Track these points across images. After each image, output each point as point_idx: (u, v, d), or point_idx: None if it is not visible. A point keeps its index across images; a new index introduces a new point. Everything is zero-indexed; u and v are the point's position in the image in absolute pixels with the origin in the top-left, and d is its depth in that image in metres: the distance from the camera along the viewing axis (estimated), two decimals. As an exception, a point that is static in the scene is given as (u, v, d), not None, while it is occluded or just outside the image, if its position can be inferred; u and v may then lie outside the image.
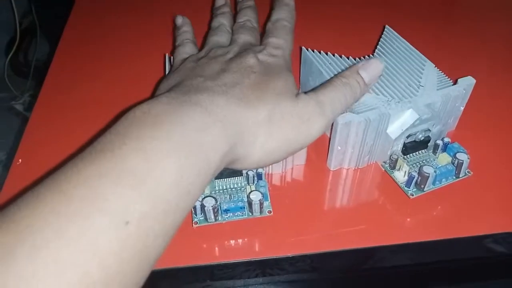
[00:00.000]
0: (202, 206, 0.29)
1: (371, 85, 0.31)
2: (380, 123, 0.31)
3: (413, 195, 0.31)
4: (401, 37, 0.38)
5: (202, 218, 0.30)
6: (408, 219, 0.31)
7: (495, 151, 0.36)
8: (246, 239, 0.30)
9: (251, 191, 0.30)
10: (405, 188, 0.32)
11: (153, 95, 0.27)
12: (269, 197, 0.31)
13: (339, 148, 0.32)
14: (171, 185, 0.21)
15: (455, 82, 0.34)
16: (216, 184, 0.32)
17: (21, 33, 1.07)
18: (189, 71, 0.29)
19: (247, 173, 0.31)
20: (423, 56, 0.36)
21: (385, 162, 0.33)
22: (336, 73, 0.34)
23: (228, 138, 0.24)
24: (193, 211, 0.30)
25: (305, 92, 0.29)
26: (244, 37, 0.33)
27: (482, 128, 0.38)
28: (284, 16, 0.35)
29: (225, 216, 0.30)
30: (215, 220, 0.30)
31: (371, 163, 0.35)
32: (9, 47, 1.10)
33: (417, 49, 0.36)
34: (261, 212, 0.30)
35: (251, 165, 0.27)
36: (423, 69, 0.34)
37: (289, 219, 0.31)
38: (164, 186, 0.21)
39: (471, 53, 0.46)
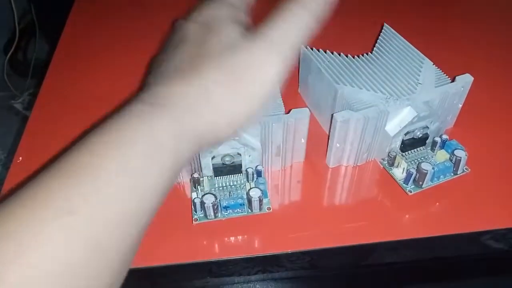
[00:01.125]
0: (202, 203, 0.29)
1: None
2: (379, 120, 0.31)
3: (411, 192, 0.32)
4: (399, 35, 0.38)
5: (202, 215, 0.30)
6: (407, 216, 0.32)
7: (492, 148, 0.36)
8: (245, 236, 0.30)
9: (251, 188, 0.30)
10: (404, 185, 0.32)
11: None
12: (268, 194, 0.31)
13: (338, 145, 0.32)
14: (118, 173, 0.21)
15: (453, 80, 0.34)
16: (216, 181, 0.32)
17: (20, 32, 1.07)
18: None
19: (246, 170, 0.32)
20: (421, 54, 0.36)
21: (383, 159, 0.34)
22: (334, 71, 0.34)
23: (174, 117, 0.23)
24: (193, 208, 0.30)
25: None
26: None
27: (480, 125, 0.38)
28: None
29: (225, 213, 0.30)
30: (215, 217, 0.30)
31: (370, 160, 0.35)
32: (8, 46, 1.10)
33: (415, 47, 0.36)
34: (260, 209, 0.30)
35: (223, 133, 0.25)
36: (421, 67, 0.35)
37: (288, 216, 0.32)
38: (109, 175, 0.21)
39: (469, 51, 0.47)
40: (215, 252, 0.30)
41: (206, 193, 0.30)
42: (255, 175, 0.32)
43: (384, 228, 0.31)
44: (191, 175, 0.32)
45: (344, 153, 0.33)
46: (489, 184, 0.33)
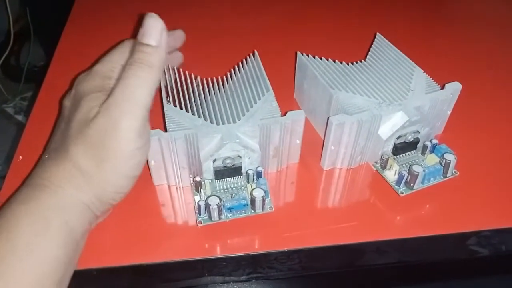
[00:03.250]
0: (207, 205, 0.30)
1: (169, 44, 0.29)
2: (372, 124, 0.33)
3: (403, 193, 0.33)
4: (391, 44, 0.39)
5: (206, 217, 0.31)
6: (398, 217, 0.33)
7: (480, 153, 0.37)
8: (245, 236, 0.31)
9: (253, 189, 0.31)
10: (396, 186, 0.33)
11: None
12: (269, 194, 0.32)
13: (333, 147, 0.34)
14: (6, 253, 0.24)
15: (442, 87, 0.35)
16: (217, 184, 0.33)
17: (14, 36, 1.07)
18: None
19: (247, 172, 0.32)
20: (412, 62, 0.37)
21: (376, 162, 0.35)
22: (330, 76, 0.36)
23: (54, 195, 0.26)
24: (196, 211, 0.31)
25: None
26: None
27: (468, 131, 0.40)
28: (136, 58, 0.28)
29: (229, 214, 0.31)
30: (219, 218, 0.31)
31: (363, 163, 0.36)
32: (1, 50, 1.10)
33: (406, 55, 0.38)
34: (263, 209, 0.31)
35: (112, 197, 0.28)
36: (412, 74, 0.36)
37: (286, 216, 0.33)
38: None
39: (458, 60, 0.49)
40: (218, 252, 0.31)
41: (210, 196, 0.31)
42: (255, 177, 0.33)
43: (377, 228, 0.32)
44: (193, 179, 0.32)
45: (338, 156, 0.35)
46: (477, 187, 0.35)
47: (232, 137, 0.31)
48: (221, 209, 0.31)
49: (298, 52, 0.38)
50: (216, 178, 0.33)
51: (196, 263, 0.30)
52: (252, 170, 0.32)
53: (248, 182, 0.33)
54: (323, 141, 0.34)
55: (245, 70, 0.37)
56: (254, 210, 0.31)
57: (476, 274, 0.36)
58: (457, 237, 0.32)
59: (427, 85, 0.35)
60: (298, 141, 0.34)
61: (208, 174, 0.33)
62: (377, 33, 0.41)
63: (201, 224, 0.31)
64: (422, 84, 0.35)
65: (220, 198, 0.30)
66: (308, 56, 0.38)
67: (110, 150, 0.26)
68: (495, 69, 0.48)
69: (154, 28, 0.28)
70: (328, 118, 0.32)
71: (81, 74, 0.31)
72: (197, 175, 0.33)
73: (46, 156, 0.29)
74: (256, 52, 0.37)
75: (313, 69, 0.36)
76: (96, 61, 0.32)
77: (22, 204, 0.26)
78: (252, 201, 0.31)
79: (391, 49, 0.39)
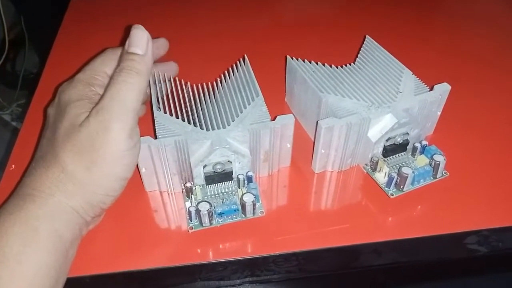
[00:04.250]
0: (197, 211, 0.30)
1: (155, 53, 0.30)
2: (361, 127, 0.33)
3: (393, 195, 0.33)
4: (380, 47, 0.39)
5: (197, 223, 0.31)
6: (390, 218, 0.33)
7: (471, 153, 0.38)
8: (238, 240, 0.32)
9: (244, 194, 0.31)
10: (386, 188, 0.33)
11: None
12: (260, 198, 0.32)
13: (323, 151, 0.34)
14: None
15: (431, 89, 0.36)
16: (208, 189, 0.33)
17: (9, 43, 1.07)
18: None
19: (237, 177, 0.33)
20: (401, 64, 0.37)
21: (366, 164, 0.35)
22: (319, 80, 0.36)
23: (43, 204, 0.27)
24: (187, 217, 0.31)
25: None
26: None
27: (458, 132, 0.40)
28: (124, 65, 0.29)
29: (220, 220, 0.31)
30: (210, 224, 0.31)
31: (354, 165, 0.36)
32: (-4, 58, 1.10)
33: (396, 57, 0.38)
34: (254, 213, 0.32)
35: (102, 201, 0.29)
36: (401, 77, 0.36)
37: (278, 220, 0.33)
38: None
39: (446, 62, 0.49)
40: (210, 257, 0.31)
41: (201, 201, 0.31)
42: (246, 181, 0.33)
43: (368, 229, 0.32)
44: (184, 185, 0.32)
45: (329, 159, 0.35)
46: (467, 187, 0.35)
47: (222, 142, 0.31)
48: (212, 214, 0.31)
49: (288, 56, 0.39)
50: (207, 184, 0.33)
51: (188, 268, 0.30)
52: (243, 175, 0.33)
53: (239, 187, 0.33)
54: (313, 143, 0.34)
55: (235, 75, 0.37)
56: (245, 214, 0.32)
57: (471, 274, 0.36)
58: (449, 238, 0.32)
59: (416, 87, 0.36)
60: (288, 145, 0.35)
61: (199, 179, 0.33)
62: (366, 36, 0.41)
63: (192, 230, 0.31)
64: (411, 86, 0.36)
65: (210, 204, 0.31)
66: (298, 60, 0.38)
67: (101, 152, 0.27)
68: (483, 70, 0.48)
69: (140, 39, 0.29)
70: (317, 122, 0.32)
71: (64, 83, 0.32)
72: (188, 181, 0.33)
73: (33, 165, 0.29)
74: (246, 56, 0.37)
75: (303, 73, 0.37)
76: (79, 70, 0.32)
77: (11, 214, 0.26)
78: (243, 205, 0.31)
79: (380, 51, 0.39)
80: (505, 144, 0.39)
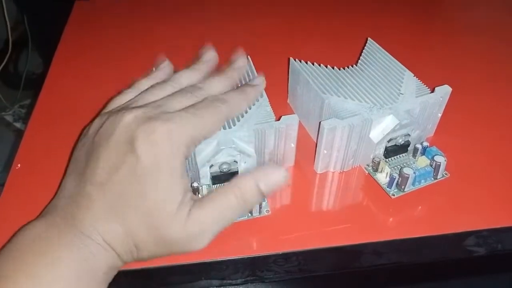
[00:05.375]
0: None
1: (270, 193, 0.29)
2: (363, 128, 0.33)
3: (394, 195, 0.33)
4: (382, 49, 0.40)
5: None
6: (391, 218, 0.34)
7: (471, 155, 0.38)
8: (245, 239, 0.32)
9: None
10: (387, 189, 0.34)
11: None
12: (266, 197, 0.33)
13: (325, 151, 0.34)
14: None
15: (432, 90, 0.36)
16: (214, 189, 0.33)
17: (12, 44, 1.08)
18: (88, 154, 0.27)
19: None
20: (403, 66, 0.38)
21: (368, 165, 0.36)
22: (322, 82, 0.36)
23: (109, 258, 0.26)
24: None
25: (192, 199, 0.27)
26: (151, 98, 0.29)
27: (459, 133, 0.40)
28: (220, 88, 0.30)
29: None
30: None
31: (356, 166, 0.37)
32: (-1, 58, 1.11)
33: (397, 59, 0.39)
34: (260, 212, 0.32)
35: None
36: (403, 78, 0.37)
37: (282, 219, 0.33)
38: None
39: (449, 63, 0.49)
40: (214, 255, 0.31)
41: None
42: None
43: (370, 229, 0.33)
44: (191, 185, 0.33)
45: (331, 160, 0.35)
46: (467, 188, 0.35)
47: (228, 142, 0.32)
48: None
49: (291, 58, 0.39)
50: (213, 183, 0.34)
51: (193, 266, 0.31)
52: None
53: None
54: (316, 144, 0.35)
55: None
56: (251, 213, 0.32)
57: (471, 274, 0.37)
58: (449, 238, 0.32)
59: (417, 89, 0.36)
60: (292, 145, 0.35)
61: (206, 179, 0.33)
62: (368, 38, 0.42)
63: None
64: (412, 88, 0.36)
65: None
66: (300, 62, 0.39)
67: (175, 251, 0.27)
68: (484, 72, 0.48)
69: (275, 182, 0.28)
70: (320, 123, 0.33)
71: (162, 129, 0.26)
72: (194, 181, 0.33)
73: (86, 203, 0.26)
74: (249, 57, 0.38)
75: (306, 74, 0.37)
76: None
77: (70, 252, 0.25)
78: None
79: (382, 54, 0.40)
80: (505, 146, 0.39)
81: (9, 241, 0.26)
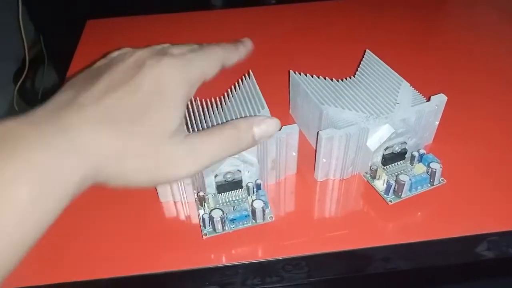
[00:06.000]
0: (211, 218, 0.32)
1: (260, 141, 0.30)
2: (360, 137, 0.35)
3: (391, 202, 0.35)
4: (380, 60, 0.41)
5: (211, 229, 0.33)
6: (390, 224, 0.35)
7: (468, 161, 0.39)
8: (249, 245, 0.34)
9: (254, 200, 0.33)
10: (385, 195, 0.35)
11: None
12: (269, 204, 0.34)
13: (324, 160, 0.36)
14: (15, 219, 0.20)
15: (428, 99, 0.37)
16: (220, 198, 0.35)
17: (29, 62, 1.12)
18: (89, 78, 0.27)
19: (247, 185, 0.35)
20: (399, 77, 0.39)
21: (366, 173, 0.37)
22: (320, 93, 0.38)
23: (86, 165, 0.23)
24: (201, 224, 0.33)
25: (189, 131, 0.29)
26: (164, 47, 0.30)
27: (458, 141, 0.41)
28: (222, 49, 0.31)
29: (232, 226, 0.33)
30: (223, 230, 0.33)
31: (355, 174, 0.38)
32: (17, 76, 1.15)
33: (394, 70, 0.40)
34: (263, 218, 0.34)
35: (115, 186, 0.26)
36: (399, 88, 0.38)
37: (284, 225, 0.35)
38: (8, 220, 0.20)
39: (446, 72, 0.51)
40: (220, 261, 0.33)
41: (213, 209, 0.33)
42: (255, 189, 0.35)
43: (369, 235, 0.34)
44: (197, 194, 0.34)
45: (330, 168, 0.37)
46: (462, 194, 0.36)
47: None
48: (224, 221, 0.33)
49: (291, 71, 0.41)
50: (219, 192, 0.35)
51: (200, 272, 0.32)
52: (252, 183, 0.35)
53: (248, 194, 0.35)
54: (315, 153, 0.36)
55: (241, 90, 0.39)
56: (255, 220, 0.33)
57: (468, 278, 0.37)
58: (446, 242, 0.33)
59: (413, 98, 0.37)
60: (294, 154, 0.37)
61: (211, 188, 0.35)
62: (367, 50, 0.43)
63: (206, 236, 0.33)
64: (409, 97, 0.37)
65: (222, 211, 0.33)
66: (300, 74, 0.40)
67: (161, 175, 0.26)
68: (479, 81, 0.49)
69: (269, 129, 0.30)
70: (318, 133, 0.34)
71: (170, 60, 0.27)
72: (200, 190, 0.35)
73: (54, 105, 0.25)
74: (251, 72, 0.40)
75: (305, 86, 0.39)
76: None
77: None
78: (253, 212, 0.33)
79: (380, 65, 0.41)
80: (502, 152, 0.40)
81: None
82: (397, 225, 0.34)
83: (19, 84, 1.14)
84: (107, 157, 0.24)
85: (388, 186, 0.34)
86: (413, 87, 0.39)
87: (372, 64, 0.41)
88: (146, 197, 0.36)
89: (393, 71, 0.40)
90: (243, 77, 0.40)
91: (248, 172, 0.35)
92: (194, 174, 0.28)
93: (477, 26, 0.60)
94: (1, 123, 0.22)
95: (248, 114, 0.36)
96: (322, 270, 0.33)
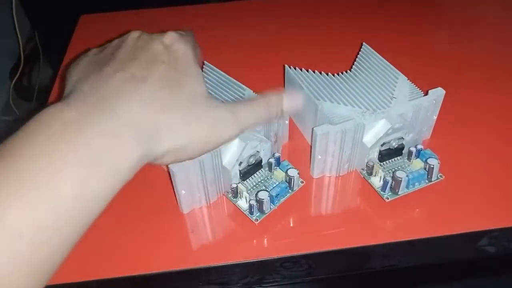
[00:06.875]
0: (260, 201, 0.33)
1: (286, 113, 0.33)
2: (356, 133, 0.34)
3: (388, 199, 0.34)
4: (377, 53, 0.40)
5: (258, 213, 0.34)
6: (386, 221, 0.34)
7: (466, 157, 0.38)
8: (235, 244, 0.33)
9: (287, 169, 0.35)
10: (381, 192, 0.34)
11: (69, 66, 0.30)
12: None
13: (320, 157, 0.35)
14: (73, 198, 0.21)
15: (426, 93, 0.36)
16: (247, 183, 0.35)
17: (25, 58, 1.11)
18: (104, 58, 0.29)
19: (268, 161, 0.35)
20: (397, 70, 0.38)
21: (363, 169, 0.36)
22: (315, 88, 0.37)
23: (141, 144, 0.24)
24: (248, 212, 0.34)
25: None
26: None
27: (456, 136, 0.40)
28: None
29: (276, 202, 0.34)
30: (270, 209, 0.34)
31: (351, 170, 0.37)
32: (13, 72, 1.14)
33: (391, 63, 0.39)
34: (298, 185, 0.35)
35: (167, 163, 0.28)
36: (396, 82, 0.37)
37: (279, 224, 0.34)
38: (65, 199, 0.21)
39: (444, 66, 0.50)
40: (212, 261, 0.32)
41: (259, 191, 0.33)
42: (275, 163, 0.35)
43: (365, 232, 0.33)
44: (230, 187, 0.34)
45: (326, 164, 0.36)
46: (461, 190, 0.35)
47: (248, 136, 0.33)
48: (269, 199, 0.33)
49: (286, 66, 0.40)
50: (243, 179, 0.35)
51: (194, 272, 0.32)
52: (272, 158, 0.35)
53: (270, 170, 0.36)
54: (310, 149, 0.36)
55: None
56: (292, 189, 0.34)
57: (467, 275, 0.37)
58: (444, 240, 0.33)
59: (410, 92, 0.37)
60: (286, 122, 0.39)
61: (236, 179, 0.35)
62: (363, 43, 0.42)
63: (258, 221, 0.33)
64: (406, 92, 0.36)
65: (266, 190, 0.33)
66: (295, 69, 0.39)
67: (209, 140, 0.28)
68: (478, 75, 0.48)
69: (296, 103, 0.32)
70: (312, 129, 0.33)
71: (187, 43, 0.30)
72: (232, 183, 0.34)
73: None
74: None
75: (300, 81, 0.38)
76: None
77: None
78: (290, 180, 0.34)
79: (376, 58, 0.40)
80: (501, 147, 0.39)
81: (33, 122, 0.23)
82: (394, 222, 0.34)
83: (15, 80, 1.13)
84: (159, 131, 0.25)
85: (385, 182, 0.34)
86: (410, 81, 0.38)
87: (369, 57, 0.41)
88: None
89: (390, 65, 0.39)
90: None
91: (263, 150, 0.35)
92: (235, 137, 0.29)
93: (476, 19, 0.58)
94: (44, 113, 0.23)
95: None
96: (319, 268, 0.32)
